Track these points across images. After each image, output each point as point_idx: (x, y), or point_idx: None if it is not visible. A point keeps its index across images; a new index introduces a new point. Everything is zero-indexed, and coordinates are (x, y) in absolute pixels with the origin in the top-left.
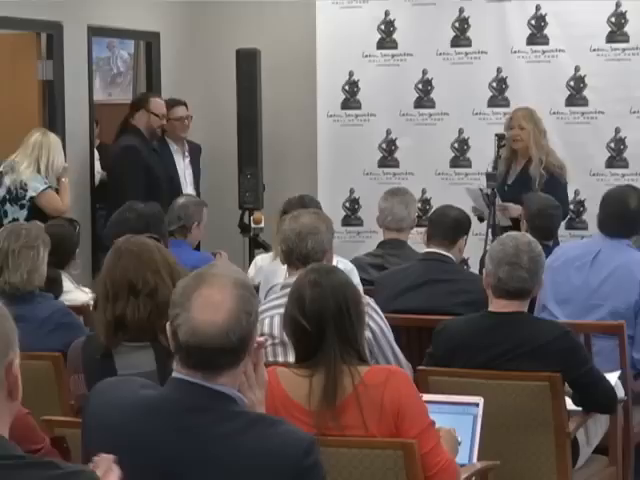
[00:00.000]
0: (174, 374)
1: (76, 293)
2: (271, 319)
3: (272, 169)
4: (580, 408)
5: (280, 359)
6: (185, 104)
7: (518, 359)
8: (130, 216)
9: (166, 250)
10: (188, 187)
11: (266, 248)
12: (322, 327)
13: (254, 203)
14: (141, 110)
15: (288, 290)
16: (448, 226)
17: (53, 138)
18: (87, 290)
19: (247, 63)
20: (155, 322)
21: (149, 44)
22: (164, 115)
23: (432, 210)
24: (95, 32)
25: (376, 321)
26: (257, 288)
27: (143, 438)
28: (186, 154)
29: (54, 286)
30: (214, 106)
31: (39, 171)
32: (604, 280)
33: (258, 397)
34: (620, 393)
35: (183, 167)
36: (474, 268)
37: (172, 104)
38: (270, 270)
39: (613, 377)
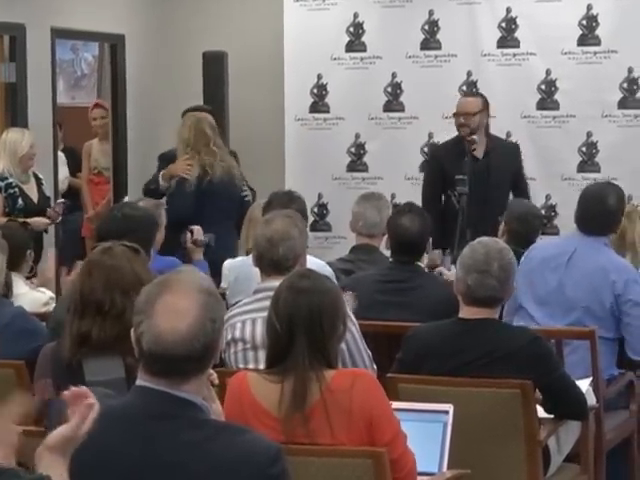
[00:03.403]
0: (138, 382)
1: (32, 294)
2: (242, 324)
3: None
4: (551, 415)
5: (251, 365)
6: (211, 111)
7: (488, 366)
8: (117, 215)
9: (142, 264)
10: None
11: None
12: (292, 331)
13: None
14: None
15: (261, 295)
16: (412, 242)
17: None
18: (43, 290)
19: (214, 66)
20: (122, 344)
21: (114, 47)
22: None
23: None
24: (59, 34)
25: (351, 330)
26: (224, 295)
27: (108, 447)
28: None
29: (6, 289)
30: (180, 110)
31: None
32: (579, 282)
33: (216, 409)
34: (592, 400)
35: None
36: None
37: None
38: (241, 270)
39: (585, 384)
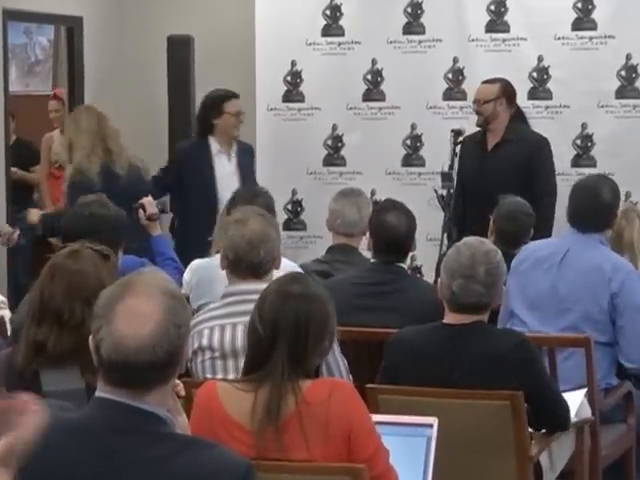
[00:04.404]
0: (98, 393)
1: None
2: (211, 330)
3: None
4: (530, 429)
5: (219, 375)
6: (238, 97)
7: (474, 373)
8: (84, 213)
9: (109, 271)
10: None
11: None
12: (275, 336)
13: None
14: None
15: (231, 299)
16: (399, 241)
17: None
18: None
19: (179, 51)
20: (79, 356)
21: (71, 30)
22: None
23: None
24: (11, 16)
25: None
26: (189, 299)
27: (65, 463)
28: (232, 155)
29: None
30: (143, 99)
31: None
32: (573, 282)
33: (182, 423)
34: (587, 413)
35: (227, 172)
36: (428, 277)
37: (224, 96)
38: (205, 272)
39: (580, 395)
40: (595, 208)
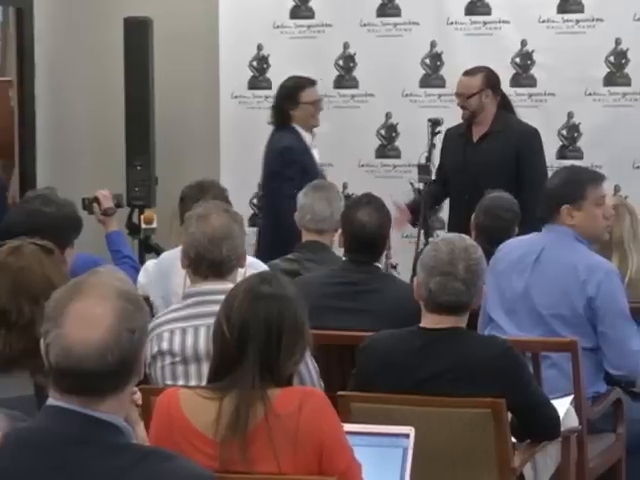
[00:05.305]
0: (49, 401)
1: None
2: (171, 333)
3: (166, 159)
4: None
5: (180, 382)
6: (314, 83)
7: (455, 381)
8: (26, 210)
9: (55, 266)
10: None
11: (159, 252)
12: (244, 341)
13: (145, 199)
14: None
15: (191, 300)
16: (370, 239)
17: None
18: None
19: (137, 34)
20: (30, 359)
21: (20, 11)
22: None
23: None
24: None
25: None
26: (148, 300)
27: (17, 476)
28: (315, 145)
29: None
30: (98, 85)
31: None
32: (546, 286)
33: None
34: (573, 422)
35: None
36: (404, 276)
37: (299, 86)
38: (158, 269)
39: (566, 402)
40: (545, 197)
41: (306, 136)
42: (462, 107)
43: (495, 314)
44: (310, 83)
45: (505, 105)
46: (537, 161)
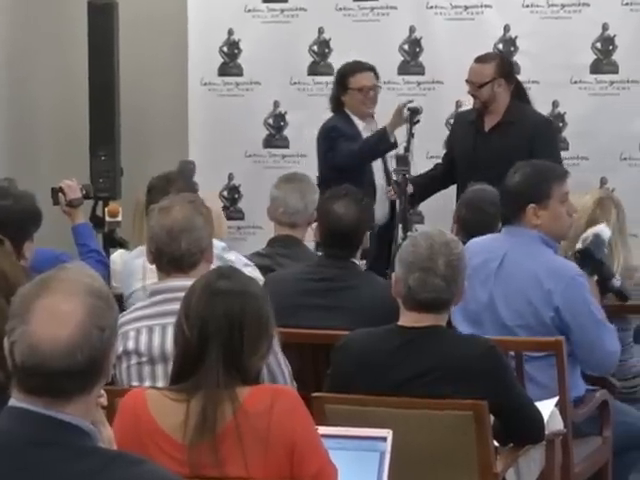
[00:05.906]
0: (11, 402)
1: None
2: (137, 332)
3: (132, 149)
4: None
5: (147, 382)
6: (374, 70)
7: (435, 383)
8: None
9: (6, 257)
10: (378, 178)
11: (124, 247)
12: (205, 339)
13: (109, 191)
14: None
15: (158, 297)
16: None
17: None
18: None
19: (101, 18)
20: None
21: None
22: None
23: None
24: None
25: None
26: (118, 297)
27: None
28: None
29: None
30: (60, 71)
31: None
32: (510, 296)
33: (107, 435)
34: (558, 424)
35: None
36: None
37: (348, 71)
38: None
39: (550, 405)
40: (503, 196)
41: (360, 123)
42: (473, 96)
43: (458, 323)
44: (362, 69)
45: (520, 94)
46: (551, 154)
